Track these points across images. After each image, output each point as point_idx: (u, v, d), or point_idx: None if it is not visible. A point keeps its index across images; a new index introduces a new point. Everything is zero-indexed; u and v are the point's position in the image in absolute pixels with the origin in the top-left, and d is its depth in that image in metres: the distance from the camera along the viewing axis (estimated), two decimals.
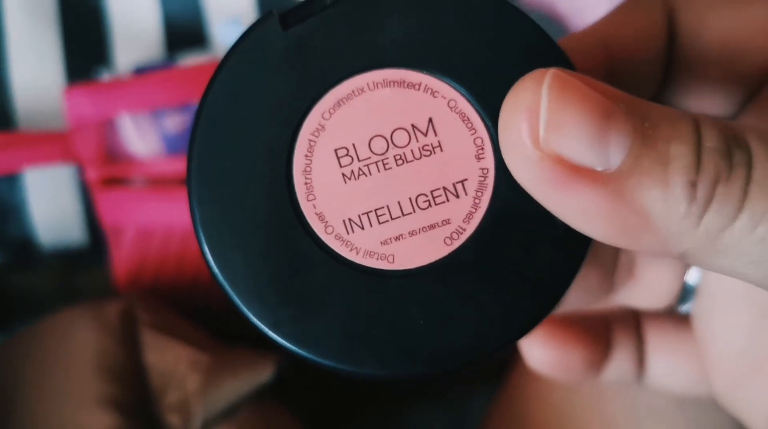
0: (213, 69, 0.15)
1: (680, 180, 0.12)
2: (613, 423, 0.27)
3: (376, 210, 0.15)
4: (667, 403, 0.26)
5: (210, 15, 0.35)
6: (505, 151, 0.13)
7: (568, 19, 0.35)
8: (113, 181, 0.32)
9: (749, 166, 0.12)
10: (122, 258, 0.33)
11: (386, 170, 0.15)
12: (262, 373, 0.29)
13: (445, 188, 0.15)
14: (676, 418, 0.26)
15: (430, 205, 0.15)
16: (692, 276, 0.19)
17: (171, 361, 0.29)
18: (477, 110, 0.15)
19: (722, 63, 0.17)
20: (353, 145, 0.15)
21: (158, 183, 0.32)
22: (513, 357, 0.30)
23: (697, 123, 0.13)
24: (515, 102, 0.13)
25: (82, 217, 0.34)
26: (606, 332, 0.19)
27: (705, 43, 0.17)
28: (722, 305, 0.18)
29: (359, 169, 0.15)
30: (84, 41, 0.34)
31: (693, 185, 0.12)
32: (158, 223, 0.32)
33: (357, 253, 0.15)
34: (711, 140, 0.12)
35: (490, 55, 0.15)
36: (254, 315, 0.14)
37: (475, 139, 0.15)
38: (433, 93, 0.15)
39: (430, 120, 0.15)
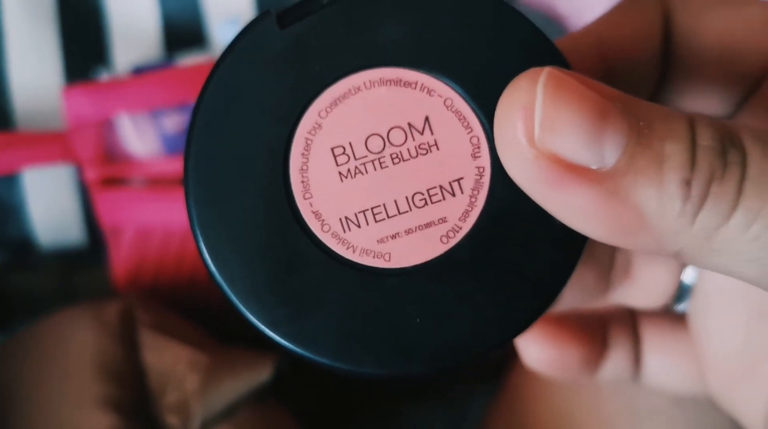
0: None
1: (675, 178, 0.12)
2: (611, 423, 0.27)
3: (372, 208, 0.15)
4: (665, 403, 0.26)
5: (209, 15, 0.35)
6: (501, 149, 0.13)
7: (567, 19, 0.35)
8: (112, 181, 0.32)
9: (744, 165, 0.12)
10: (121, 258, 0.33)
11: (383, 169, 0.15)
12: (261, 373, 0.29)
13: (441, 187, 0.15)
14: (674, 418, 0.26)
15: (426, 203, 0.15)
16: (688, 275, 0.19)
17: (170, 361, 0.29)
18: (473, 109, 0.15)
19: (718, 63, 0.17)
20: (350, 143, 0.15)
21: (157, 183, 0.32)
22: (512, 357, 0.30)
23: (691, 121, 0.13)
24: (511, 100, 0.13)
25: (81, 217, 0.34)
26: (602, 331, 0.19)
27: (701, 44, 0.17)
28: (718, 304, 0.18)
29: (356, 167, 0.15)
30: (83, 41, 0.34)
31: (687, 183, 0.12)
32: (157, 223, 0.32)
33: (354, 252, 0.15)
34: (706, 139, 0.12)
35: (487, 54, 0.15)
36: (252, 314, 0.15)
37: (471, 138, 0.15)
38: (429, 92, 0.15)
39: (427, 119, 0.15)
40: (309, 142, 0.15)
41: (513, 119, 0.13)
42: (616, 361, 0.19)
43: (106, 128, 0.32)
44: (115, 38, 0.35)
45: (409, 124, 0.15)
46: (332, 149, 0.15)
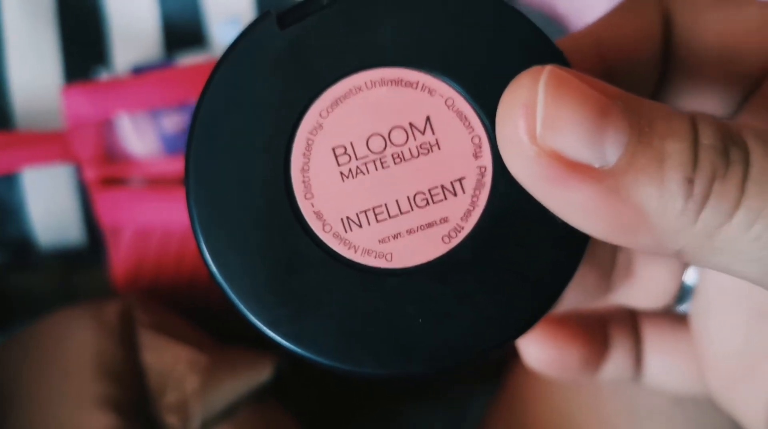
0: (211, 69, 0.15)
1: (676, 177, 0.12)
2: (611, 423, 0.27)
3: (374, 208, 0.15)
4: (665, 403, 0.26)
5: (209, 15, 0.35)
6: (502, 147, 0.13)
7: (568, 18, 0.35)
8: (112, 181, 0.32)
9: (746, 164, 0.12)
10: (121, 258, 0.33)
11: (384, 169, 0.15)
12: (261, 373, 0.29)
13: (443, 186, 0.15)
14: (674, 418, 0.26)
15: (428, 203, 0.15)
16: (690, 276, 0.19)
17: (169, 361, 0.29)
18: (474, 109, 0.15)
19: (718, 63, 0.17)
20: (351, 143, 0.15)
21: (156, 183, 0.32)
22: (512, 357, 0.30)
23: (693, 120, 0.13)
24: (512, 98, 0.13)
25: (80, 217, 0.34)
26: (603, 331, 0.19)
27: (701, 44, 0.17)
28: (718, 305, 0.18)
29: (357, 167, 0.15)
30: (82, 41, 0.34)
31: (690, 182, 0.12)
32: (157, 222, 0.32)
33: (355, 252, 0.15)
34: (708, 137, 0.12)
35: (487, 53, 0.15)
36: (252, 314, 0.14)
37: (472, 138, 0.15)
38: (430, 91, 0.15)
39: (428, 118, 0.15)
40: (310, 142, 0.15)
41: (515, 117, 0.13)
42: (617, 361, 0.19)
43: (105, 128, 0.32)
44: (114, 38, 0.35)
45: (411, 124, 0.15)
46: (333, 149, 0.15)
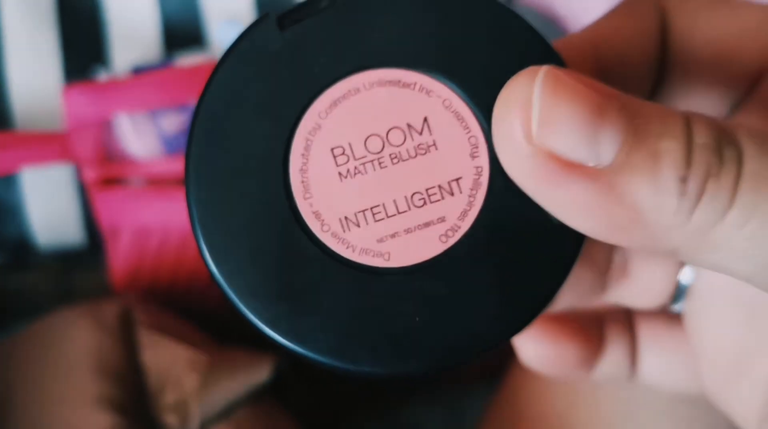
0: (211, 69, 0.15)
1: (671, 175, 0.12)
2: (608, 422, 0.27)
3: (372, 208, 0.15)
4: (662, 402, 0.26)
5: (208, 15, 0.35)
6: (499, 146, 0.13)
7: (566, 20, 0.35)
8: (111, 181, 0.32)
9: (740, 163, 0.12)
10: (120, 258, 0.33)
11: (382, 169, 0.15)
12: (259, 373, 0.29)
13: (440, 186, 0.15)
14: (673, 417, 0.26)
15: (425, 203, 0.15)
16: (686, 275, 0.19)
17: (168, 361, 0.29)
18: (471, 109, 0.15)
19: (714, 65, 0.17)
20: (349, 144, 0.15)
21: (156, 183, 0.32)
22: (510, 357, 0.30)
23: (688, 119, 0.13)
24: (508, 98, 0.13)
25: (79, 217, 0.34)
26: (599, 329, 0.20)
27: (697, 46, 0.17)
28: (713, 304, 0.18)
29: (355, 167, 0.15)
30: (82, 41, 0.34)
31: (683, 180, 0.12)
32: (156, 223, 0.32)
33: (353, 251, 0.15)
34: (702, 136, 0.13)
35: (484, 55, 0.15)
36: (251, 312, 0.15)
37: (469, 138, 0.15)
38: (427, 92, 0.15)
39: (425, 119, 0.15)
40: (309, 142, 0.15)
41: (511, 116, 0.13)
42: (613, 359, 0.19)
43: (105, 128, 0.32)
44: (114, 38, 0.35)
45: (408, 125, 0.15)
46: (332, 150, 0.15)
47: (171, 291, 0.33)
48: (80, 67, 0.34)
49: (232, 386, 0.28)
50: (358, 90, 0.15)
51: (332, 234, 0.15)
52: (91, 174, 0.32)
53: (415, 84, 0.15)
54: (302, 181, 0.15)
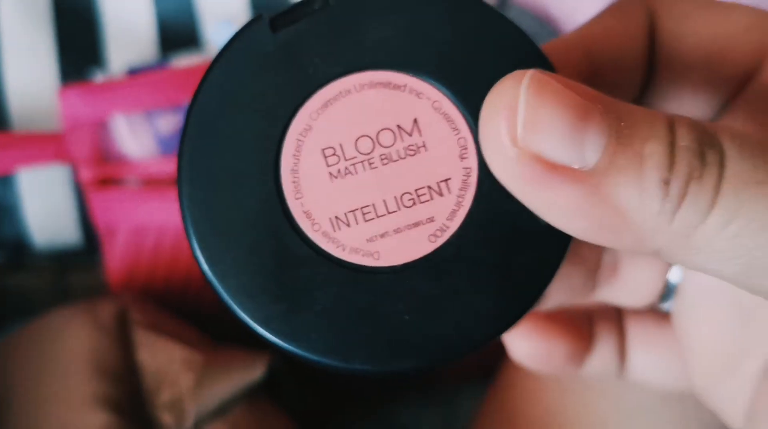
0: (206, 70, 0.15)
1: (654, 177, 0.12)
2: (601, 420, 0.27)
3: (362, 208, 0.15)
4: (654, 401, 0.27)
5: (203, 16, 0.35)
6: (485, 149, 0.13)
7: (559, 21, 0.36)
8: (107, 182, 0.32)
9: (721, 165, 0.13)
10: (116, 258, 0.33)
11: (372, 169, 0.15)
12: (254, 372, 0.29)
13: (429, 187, 0.15)
14: (664, 414, 0.27)
15: (414, 203, 0.15)
16: (675, 275, 0.20)
17: (164, 360, 0.29)
18: (460, 111, 0.15)
19: (702, 68, 0.17)
20: (340, 145, 0.15)
21: (151, 183, 0.33)
22: (503, 356, 0.30)
23: (671, 123, 0.13)
24: (495, 102, 0.13)
25: (76, 217, 0.34)
26: (588, 326, 0.20)
27: (685, 48, 0.17)
28: (701, 303, 0.19)
29: (346, 168, 0.15)
30: (78, 42, 0.35)
31: (666, 183, 0.12)
32: (151, 223, 0.33)
33: (343, 250, 0.15)
34: (685, 140, 0.13)
35: (473, 57, 0.15)
36: (243, 311, 0.15)
37: (458, 139, 0.15)
38: (417, 94, 0.15)
39: (415, 121, 0.15)
40: (300, 143, 0.15)
41: (497, 120, 0.13)
42: (602, 355, 0.20)
43: (101, 129, 0.32)
44: (109, 39, 0.35)
45: (398, 126, 0.15)
46: (323, 150, 0.15)
47: (167, 290, 0.33)
48: (76, 68, 0.34)
49: (227, 385, 0.28)
50: (349, 91, 0.15)
51: (323, 233, 0.15)
52: (87, 174, 0.32)
53: (405, 86, 0.15)
54: (293, 181, 0.15)
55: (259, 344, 0.16)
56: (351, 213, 0.15)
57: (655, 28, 0.17)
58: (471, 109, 0.15)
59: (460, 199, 0.15)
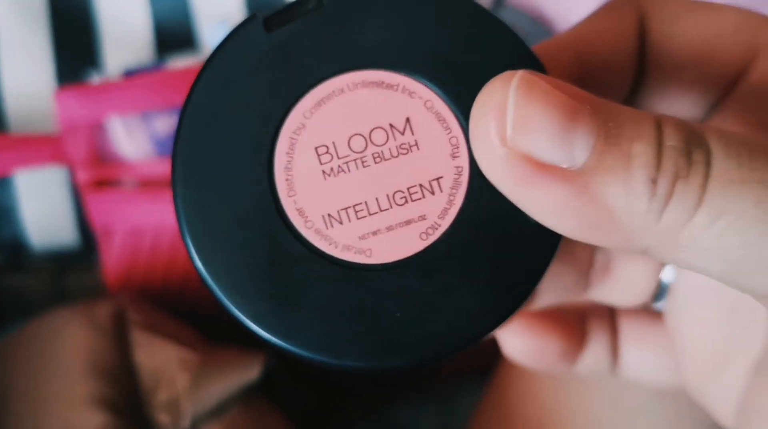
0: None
1: (641, 177, 0.13)
2: (597, 418, 0.27)
3: (354, 206, 0.15)
4: (650, 399, 0.27)
5: (199, 17, 0.35)
6: (475, 148, 0.14)
7: (554, 21, 0.36)
8: (104, 183, 0.33)
9: (708, 165, 0.13)
10: (113, 259, 0.33)
11: (365, 168, 0.15)
12: (250, 372, 0.29)
13: (421, 185, 0.15)
14: (658, 412, 0.27)
15: (406, 201, 0.15)
16: (667, 274, 0.20)
17: (161, 360, 0.29)
18: (452, 111, 0.15)
19: (692, 67, 0.17)
20: (333, 143, 0.15)
21: (148, 184, 0.33)
22: (500, 355, 0.30)
23: (659, 122, 0.13)
24: (485, 102, 0.13)
25: (73, 218, 0.35)
26: (581, 324, 0.20)
27: (675, 48, 0.17)
28: (692, 302, 0.19)
29: (339, 166, 0.15)
30: (74, 44, 0.35)
31: (654, 182, 0.13)
32: (148, 224, 0.33)
33: (336, 248, 0.15)
34: (672, 139, 0.13)
35: (465, 58, 0.15)
36: (237, 309, 0.15)
37: (450, 139, 0.15)
38: (410, 94, 0.15)
39: (408, 120, 0.15)
40: (293, 141, 0.15)
41: (486, 120, 0.13)
42: (595, 353, 0.20)
43: (97, 130, 0.32)
44: (106, 41, 0.35)
45: (391, 125, 0.15)
46: (316, 149, 0.15)
47: (164, 291, 0.34)
48: (72, 70, 0.34)
49: (224, 385, 0.29)
50: (342, 90, 0.15)
51: (316, 231, 0.15)
52: (83, 176, 0.32)
53: (398, 85, 0.15)
54: (287, 179, 0.15)
55: (257, 343, 0.16)
56: (344, 211, 0.15)
57: (646, 29, 0.18)
58: (462, 109, 0.15)
59: (452, 198, 0.15)
